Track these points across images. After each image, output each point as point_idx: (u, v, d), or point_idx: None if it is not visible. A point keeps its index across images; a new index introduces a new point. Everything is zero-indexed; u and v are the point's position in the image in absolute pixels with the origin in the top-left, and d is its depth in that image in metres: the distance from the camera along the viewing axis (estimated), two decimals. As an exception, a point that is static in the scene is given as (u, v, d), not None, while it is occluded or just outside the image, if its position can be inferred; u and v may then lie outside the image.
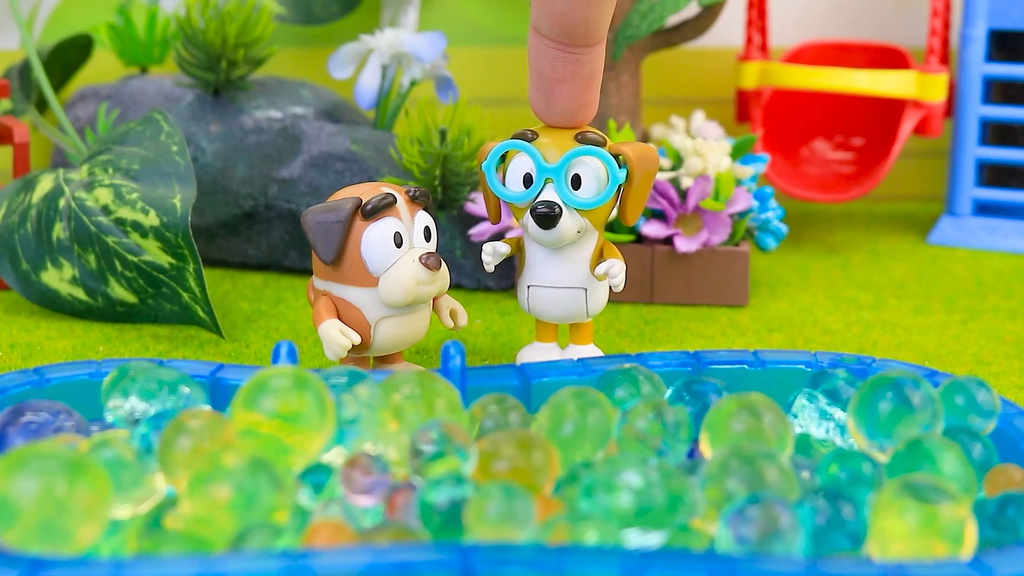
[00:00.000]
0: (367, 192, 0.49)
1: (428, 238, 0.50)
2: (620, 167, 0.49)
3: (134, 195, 0.63)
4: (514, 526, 0.32)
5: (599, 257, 0.51)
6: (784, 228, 0.70)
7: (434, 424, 0.37)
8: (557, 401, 0.39)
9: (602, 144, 0.49)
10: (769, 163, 0.81)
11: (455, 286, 0.71)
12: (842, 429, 0.42)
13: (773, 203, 0.70)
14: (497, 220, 0.53)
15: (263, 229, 0.73)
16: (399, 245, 0.48)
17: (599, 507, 0.33)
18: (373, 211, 0.48)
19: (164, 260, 0.62)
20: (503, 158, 0.51)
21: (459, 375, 0.45)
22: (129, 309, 0.64)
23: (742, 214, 0.69)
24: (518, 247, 0.52)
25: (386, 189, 0.49)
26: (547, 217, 0.48)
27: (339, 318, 0.49)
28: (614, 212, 0.52)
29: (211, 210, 0.73)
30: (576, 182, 0.49)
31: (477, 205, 0.68)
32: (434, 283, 0.49)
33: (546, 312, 0.52)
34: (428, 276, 0.48)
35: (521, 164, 0.49)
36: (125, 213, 0.62)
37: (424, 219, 0.50)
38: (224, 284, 0.72)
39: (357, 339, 0.49)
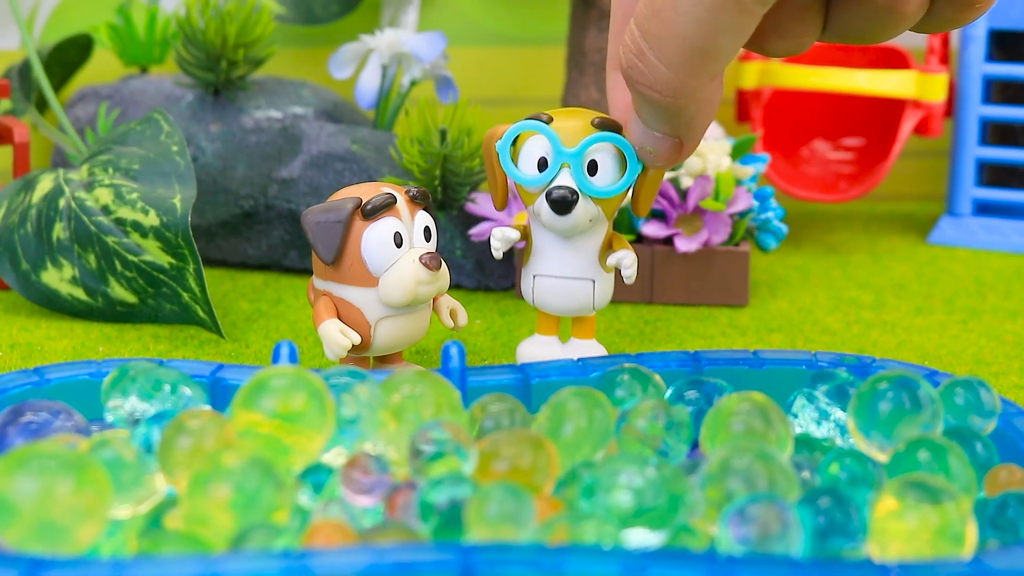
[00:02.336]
0: (367, 192, 0.49)
1: (428, 238, 0.49)
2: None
3: (134, 195, 0.63)
4: (514, 526, 0.32)
5: (608, 248, 0.50)
6: (784, 228, 0.70)
7: (434, 424, 0.36)
8: (557, 401, 0.39)
9: (620, 131, 0.47)
10: (769, 163, 0.81)
11: (455, 286, 0.71)
12: (842, 429, 0.42)
13: (773, 203, 0.70)
14: (503, 206, 0.51)
15: (263, 229, 0.73)
16: (399, 245, 0.48)
17: (599, 507, 0.33)
18: (373, 211, 0.48)
19: (164, 260, 0.62)
20: (515, 141, 0.49)
21: (459, 375, 0.45)
22: (129, 309, 0.64)
23: (742, 214, 0.69)
24: (525, 234, 0.51)
25: (386, 189, 0.49)
26: (564, 202, 0.47)
27: (339, 318, 0.49)
28: (624, 202, 0.52)
29: (211, 210, 0.73)
30: (592, 168, 0.47)
31: (477, 205, 0.68)
32: (434, 283, 0.49)
33: (551, 303, 0.51)
34: (428, 276, 0.48)
35: (536, 147, 0.48)
36: (125, 213, 0.62)
37: (424, 219, 0.50)
38: (224, 284, 0.72)
39: (357, 339, 0.49)
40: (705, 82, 0.37)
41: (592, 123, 0.47)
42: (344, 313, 0.49)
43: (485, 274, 0.71)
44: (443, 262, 0.49)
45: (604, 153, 0.47)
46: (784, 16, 0.38)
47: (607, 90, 0.44)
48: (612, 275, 0.50)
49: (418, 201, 0.50)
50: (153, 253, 0.62)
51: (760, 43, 0.38)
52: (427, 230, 0.50)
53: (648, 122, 0.40)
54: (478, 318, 0.66)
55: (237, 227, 0.74)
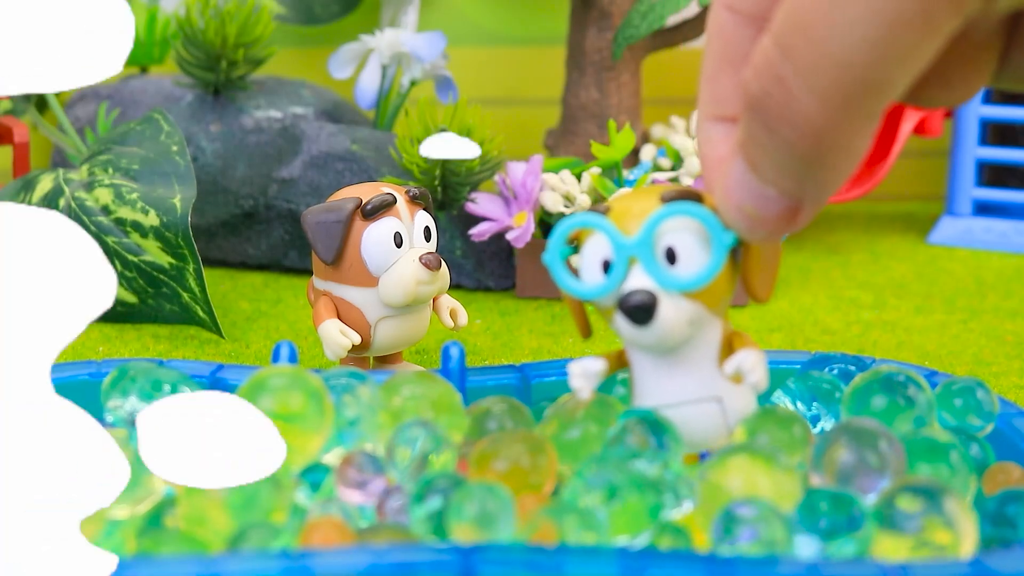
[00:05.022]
0: (367, 192, 0.49)
1: (428, 238, 0.49)
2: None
3: (134, 195, 0.63)
4: (494, 525, 0.32)
5: (728, 350, 0.38)
6: None
7: (410, 424, 0.37)
8: (566, 409, 0.39)
9: (697, 199, 0.36)
10: None
11: (455, 286, 0.71)
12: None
13: None
14: (587, 334, 0.40)
15: (263, 229, 0.73)
16: (399, 245, 0.48)
17: (583, 503, 0.33)
18: (373, 211, 0.48)
19: (164, 260, 0.62)
20: (575, 245, 0.38)
21: (459, 375, 0.45)
22: (129, 309, 0.64)
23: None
24: (619, 362, 0.39)
25: (386, 189, 0.49)
26: (640, 310, 0.36)
27: (339, 318, 0.49)
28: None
29: (211, 210, 0.73)
30: (672, 256, 0.36)
31: (477, 205, 0.68)
32: (434, 283, 0.49)
33: None
34: (428, 276, 0.48)
35: (595, 247, 0.37)
36: (125, 213, 0.62)
37: (424, 219, 0.50)
38: (224, 284, 0.72)
39: (357, 339, 0.49)
40: (861, 125, 0.28)
41: (660, 198, 0.37)
42: (344, 313, 0.49)
43: (485, 274, 0.71)
44: (443, 262, 0.49)
45: (683, 233, 0.36)
46: (953, 55, 0.29)
47: (699, 145, 0.34)
48: (746, 384, 0.37)
49: (418, 201, 0.49)
50: (153, 253, 0.62)
51: (916, 88, 0.30)
52: (427, 230, 0.49)
53: (766, 172, 0.30)
54: (478, 318, 0.66)
55: (237, 227, 0.74)
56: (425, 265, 0.48)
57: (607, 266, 0.37)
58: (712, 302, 0.37)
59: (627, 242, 0.36)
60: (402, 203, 0.49)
